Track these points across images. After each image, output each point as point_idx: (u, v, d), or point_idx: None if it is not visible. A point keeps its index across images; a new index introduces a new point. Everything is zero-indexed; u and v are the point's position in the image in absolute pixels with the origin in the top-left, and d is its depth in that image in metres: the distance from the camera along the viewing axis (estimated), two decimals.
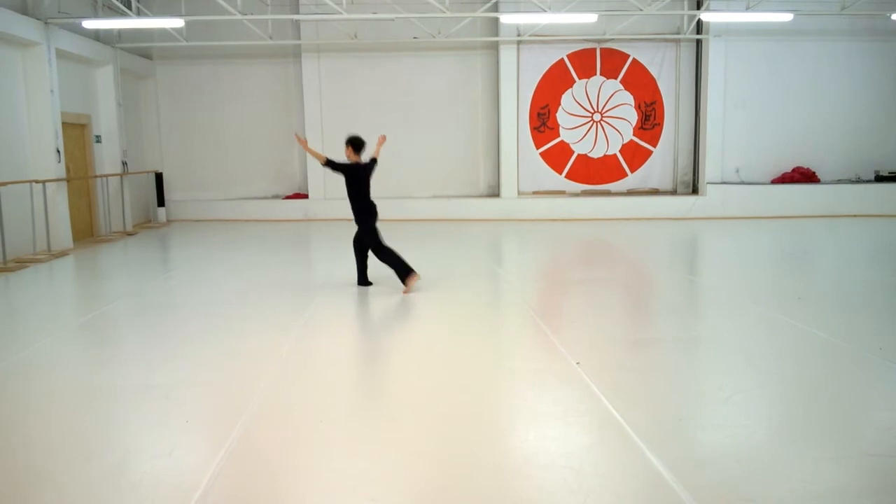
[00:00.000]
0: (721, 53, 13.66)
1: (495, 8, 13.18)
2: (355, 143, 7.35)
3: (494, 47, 14.14)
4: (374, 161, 7.55)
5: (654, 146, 14.44)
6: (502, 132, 14.14)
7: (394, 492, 3.05)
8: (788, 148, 14.01)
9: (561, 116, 14.34)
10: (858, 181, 13.93)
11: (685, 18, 13.67)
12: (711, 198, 13.82)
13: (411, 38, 13.68)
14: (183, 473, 3.24)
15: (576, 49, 14.12)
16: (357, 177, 7.36)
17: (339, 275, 8.14)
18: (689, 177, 14.52)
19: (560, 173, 14.50)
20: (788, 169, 14.00)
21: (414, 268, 7.28)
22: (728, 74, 13.74)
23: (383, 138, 7.65)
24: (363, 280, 7.64)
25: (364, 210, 7.41)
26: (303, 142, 7.72)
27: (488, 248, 11.03)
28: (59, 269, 9.32)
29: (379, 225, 7.45)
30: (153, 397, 4.23)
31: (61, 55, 11.01)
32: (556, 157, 14.45)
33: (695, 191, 14.37)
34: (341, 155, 7.41)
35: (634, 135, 14.41)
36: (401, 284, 7.24)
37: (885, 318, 6.03)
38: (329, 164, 7.28)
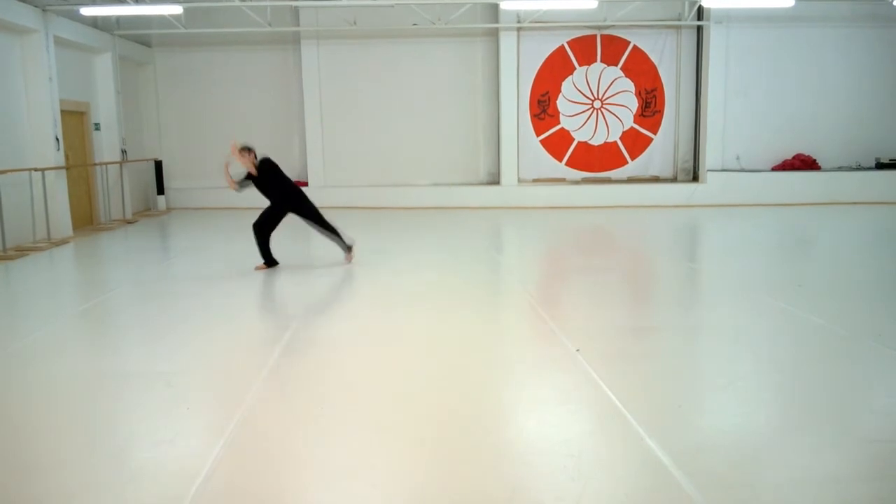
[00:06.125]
0: (722, 40, 13.57)
1: None
2: (251, 148, 7.60)
3: (494, 34, 14.07)
4: (252, 176, 7.67)
5: (655, 133, 14.39)
6: (502, 119, 14.09)
7: (394, 478, 3.07)
8: (789, 135, 13.96)
9: (561, 103, 14.28)
10: (859, 168, 13.90)
11: (686, 5, 13.59)
12: (712, 185, 13.79)
13: (411, 25, 13.60)
14: (184, 460, 3.25)
15: (576, 36, 14.03)
16: (261, 183, 7.74)
17: (337, 261, 8.14)
18: (690, 164, 14.48)
19: (560, 161, 14.46)
20: (789, 156, 13.96)
21: (270, 265, 7.91)
22: (729, 61, 13.66)
23: (233, 147, 7.47)
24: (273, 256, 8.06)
25: (276, 203, 7.84)
26: (234, 149, 7.49)
27: (488, 235, 11.03)
28: (59, 258, 9.33)
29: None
30: (155, 385, 4.24)
31: (59, 42, 10.95)
32: (557, 144, 14.41)
33: (695, 178, 14.34)
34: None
35: (635, 122, 14.36)
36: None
37: (883, 305, 6.03)
38: (242, 184, 7.67)
